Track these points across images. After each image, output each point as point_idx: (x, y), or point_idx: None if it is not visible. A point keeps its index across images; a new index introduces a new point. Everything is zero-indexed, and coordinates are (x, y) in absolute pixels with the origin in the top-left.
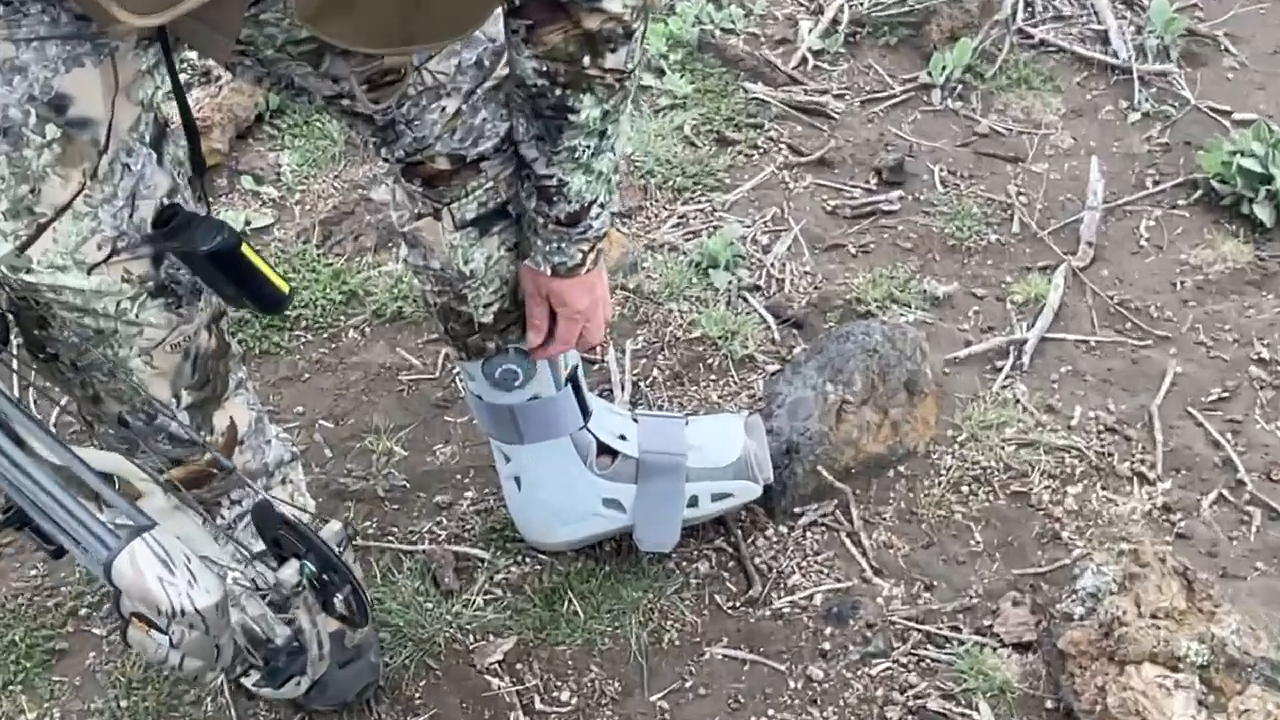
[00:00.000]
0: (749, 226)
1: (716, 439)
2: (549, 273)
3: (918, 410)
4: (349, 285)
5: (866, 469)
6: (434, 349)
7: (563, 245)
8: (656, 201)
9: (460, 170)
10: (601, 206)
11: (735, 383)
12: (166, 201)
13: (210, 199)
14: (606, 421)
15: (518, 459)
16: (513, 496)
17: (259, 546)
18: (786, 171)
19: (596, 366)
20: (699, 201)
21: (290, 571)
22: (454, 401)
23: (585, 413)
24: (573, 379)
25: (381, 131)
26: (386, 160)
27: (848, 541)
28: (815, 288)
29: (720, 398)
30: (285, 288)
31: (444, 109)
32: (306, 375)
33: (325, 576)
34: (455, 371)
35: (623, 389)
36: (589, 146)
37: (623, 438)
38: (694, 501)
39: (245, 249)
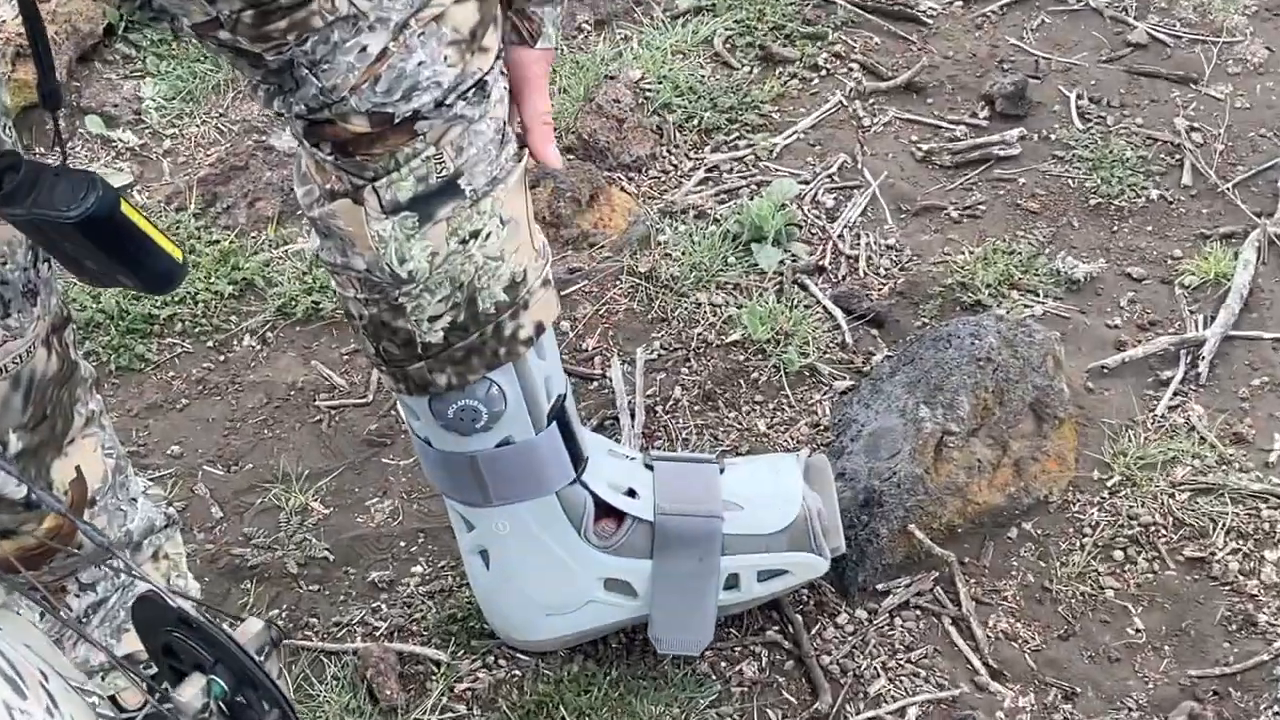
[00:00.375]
0: (807, 183)
1: (765, 491)
2: (557, 45)
3: (1049, 443)
4: (242, 272)
5: (978, 528)
6: (365, 361)
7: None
8: (677, 149)
9: (386, 133)
10: None
11: (791, 406)
12: None
13: (55, 147)
14: (609, 470)
15: (484, 526)
16: (479, 577)
17: (124, 650)
18: (859, 103)
19: (594, 385)
20: (736, 147)
21: (192, 692)
22: (394, 436)
23: (578, 460)
24: (559, 414)
25: (275, 77)
26: (282, 115)
27: (953, 631)
28: (902, 269)
29: (770, 428)
30: (179, 255)
31: (364, 49)
32: (184, 401)
33: (242, 698)
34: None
35: (632, 418)
36: None
37: (632, 493)
38: (734, 582)
39: (126, 208)
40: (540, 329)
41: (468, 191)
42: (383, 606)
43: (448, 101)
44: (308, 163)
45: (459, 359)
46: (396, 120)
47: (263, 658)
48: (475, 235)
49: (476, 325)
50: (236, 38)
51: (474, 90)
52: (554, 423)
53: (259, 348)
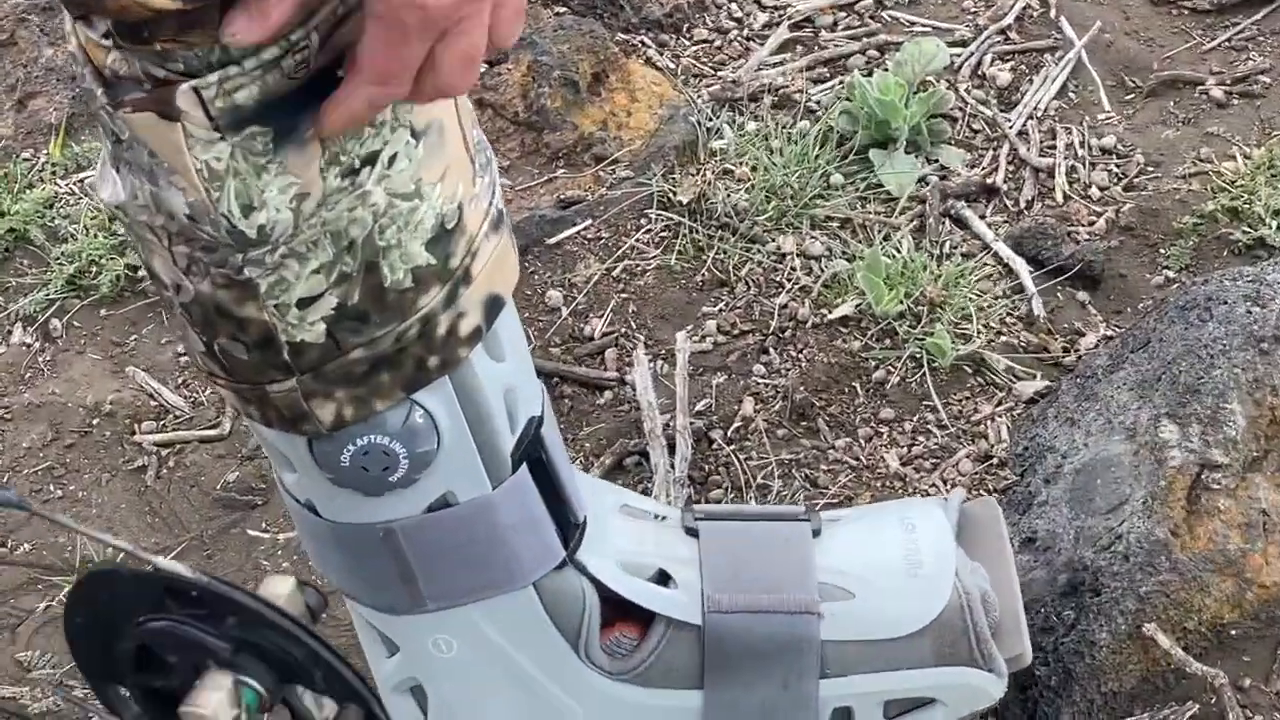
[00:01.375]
0: (965, 43)
1: (890, 566)
2: None
3: None
4: (8, 220)
5: (1266, 628)
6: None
7: None
8: None
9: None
10: None
11: (942, 427)
12: None
13: None
14: (623, 540)
15: (414, 647)
16: None
17: None
18: None
19: (605, 398)
20: None
21: (217, 700)
22: (268, 491)
23: (568, 526)
24: (531, 451)
25: None
26: None
27: None
28: (1128, 189)
29: (906, 464)
30: None
31: None
32: None
33: (290, 701)
34: None
35: (671, 451)
36: None
37: (664, 578)
38: None
39: None
40: (493, 308)
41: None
42: None
43: None
44: (80, 38)
45: (358, 376)
46: None
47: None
48: (371, 161)
49: (383, 314)
50: None
51: None
52: (524, 466)
53: (38, 346)
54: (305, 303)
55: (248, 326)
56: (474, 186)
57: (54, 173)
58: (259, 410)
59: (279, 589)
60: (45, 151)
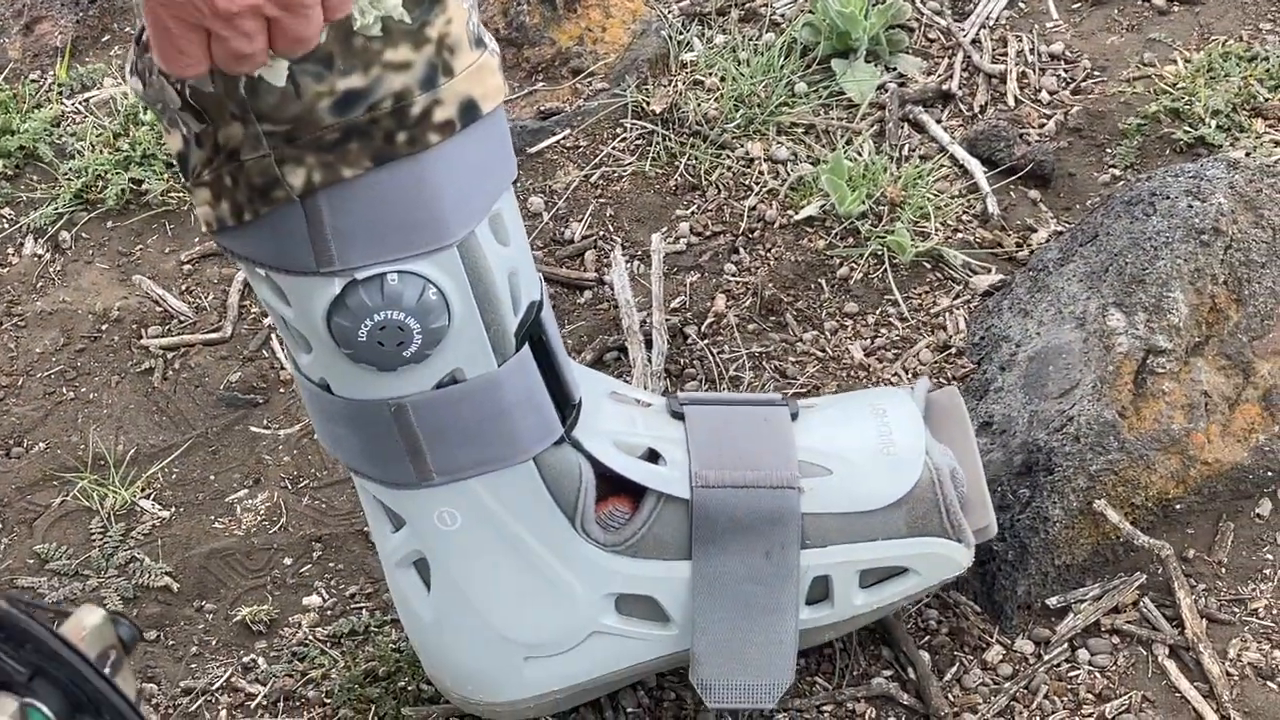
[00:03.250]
0: None
1: (865, 444)
2: None
3: None
4: (17, 138)
5: (1208, 502)
6: (219, 268)
7: None
8: None
9: None
10: None
11: (903, 320)
12: None
13: None
14: (615, 421)
15: (420, 520)
16: (414, 603)
17: None
18: None
19: (585, 297)
20: None
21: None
22: (269, 390)
23: (565, 405)
24: (533, 332)
25: None
26: None
27: (1171, 666)
28: (1076, 91)
29: (870, 355)
30: None
31: None
32: None
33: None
34: (269, 321)
35: (648, 347)
36: None
37: (654, 456)
38: (823, 590)
39: None
40: (469, 111)
41: None
42: (259, 661)
43: None
44: None
45: (328, 143)
46: None
47: (107, 667)
48: None
49: (347, 60)
50: None
51: None
52: (525, 346)
53: (49, 257)
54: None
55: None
56: None
57: (60, 93)
58: (229, 198)
59: (87, 620)
60: (52, 73)
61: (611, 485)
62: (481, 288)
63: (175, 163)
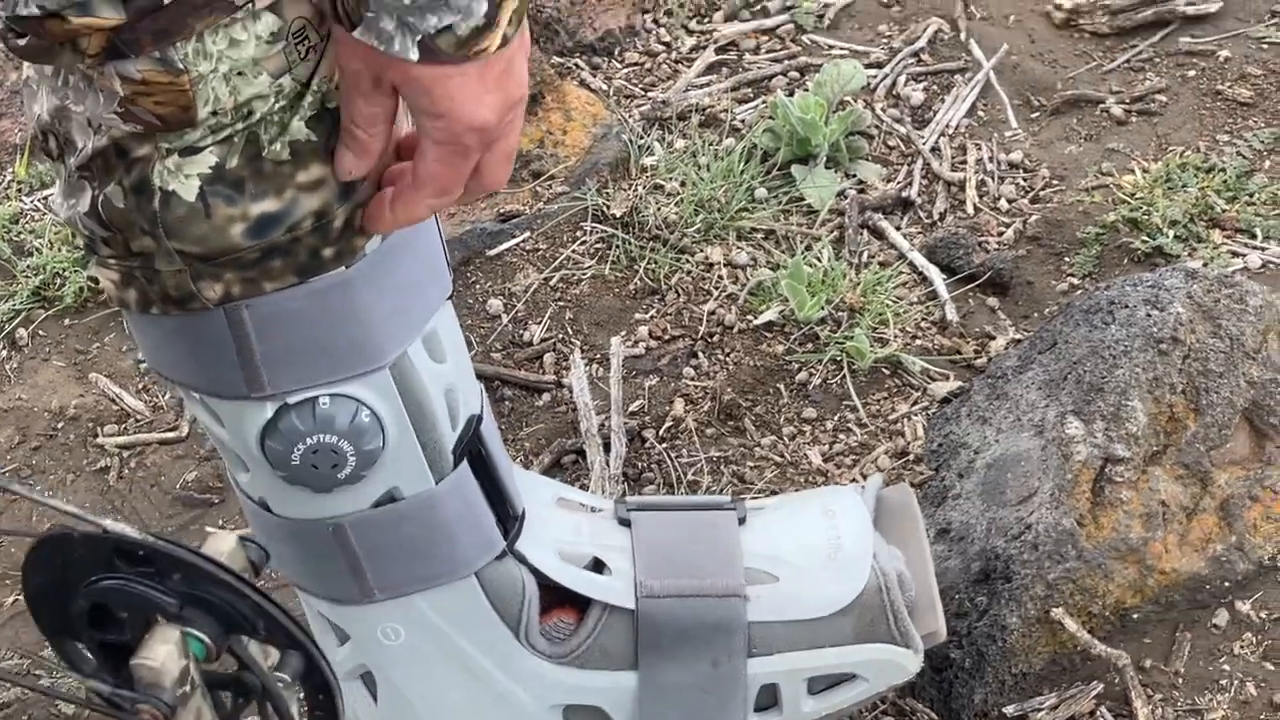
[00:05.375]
0: (880, 65)
1: (812, 548)
2: (414, 54)
3: (1276, 472)
4: None
5: (1165, 611)
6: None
7: None
8: (670, 17)
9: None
10: None
11: (861, 425)
12: None
13: None
14: (559, 531)
15: (364, 635)
16: (364, 718)
17: None
18: None
19: (544, 400)
20: (765, 11)
21: (165, 651)
22: (224, 490)
23: (507, 519)
24: (472, 447)
25: None
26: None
27: None
28: (1035, 200)
29: (828, 460)
30: None
31: None
32: None
33: (236, 651)
34: None
35: (606, 450)
36: None
37: (599, 566)
38: (770, 698)
39: None
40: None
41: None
42: None
43: None
44: None
45: (248, 262)
46: None
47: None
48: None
49: (259, 184)
50: None
51: None
52: (464, 462)
53: (5, 354)
54: (186, 151)
55: (132, 167)
56: None
57: (19, 190)
58: (139, 291)
59: (222, 545)
60: (10, 170)
61: (557, 595)
62: (416, 407)
63: (71, 229)
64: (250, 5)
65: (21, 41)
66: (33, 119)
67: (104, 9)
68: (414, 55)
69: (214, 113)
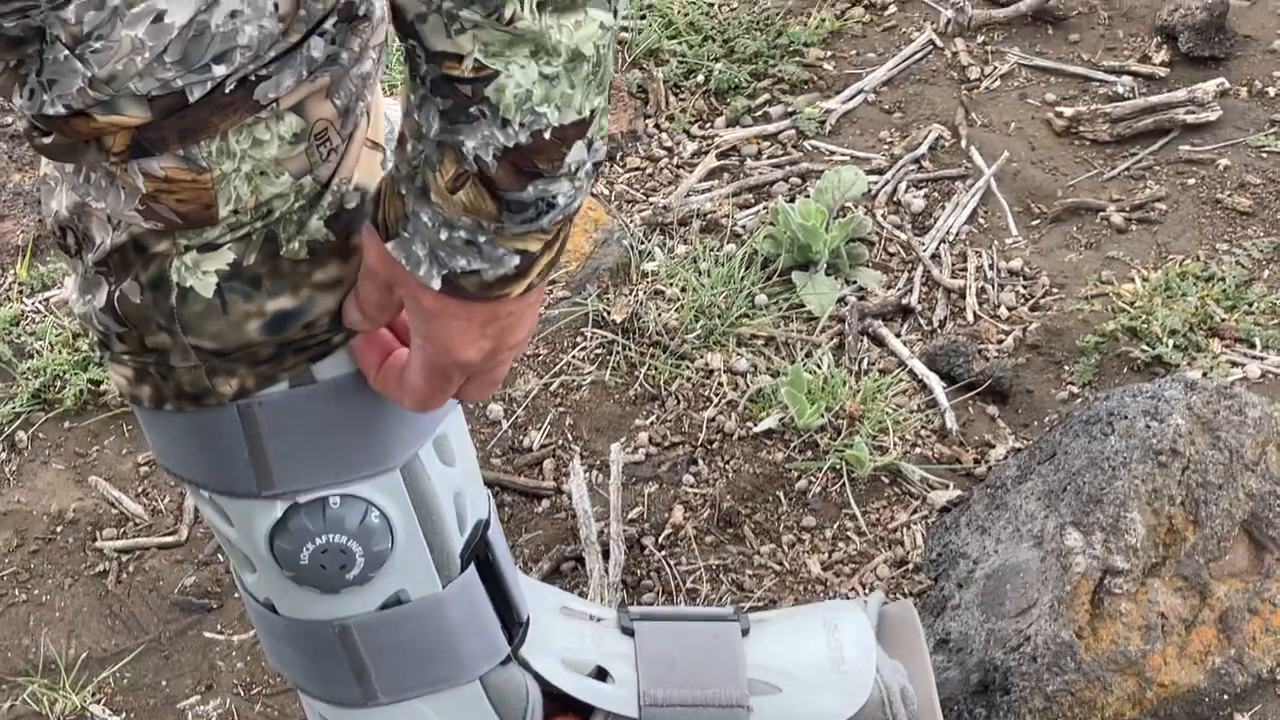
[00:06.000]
0: (881, 172)
1: (815, 662)
2: (436, 284)
3: (1276, 585)
4: None
5: None
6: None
7: (481, 237)
8: (672, 122)
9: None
10: (582, 142)
11: (861, 534)
12: None
13: None
14: (563, 639)
15: None
16: None
17: None
18: (962, 42)
19: (544, 506)
20: (767, 117)
21: None
22: (224, 595)
23: (512, 625)
24: (479, 552)
25: (12, 51)
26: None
27: None
28: (1035, 308)
29: (827, 569)
30: None
31: (161, 17)
32: None
33: None
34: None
35: (605, 557)
36: None
37: (602, 674)
38: None
39: None
40: None
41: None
42: None
43: (266, 68)
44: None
45: (263, 358)
46: (187, 106)
47: None
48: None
49: (275, 281)
50: None
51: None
52: (471, 567)
53: (4, 457)
54: (205, 248)
55: (150, 263)
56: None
57: (21, 292)
58: (153, 388)
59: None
60: (12, 272)
61: (560, 703)
62: (425, 510)
63: (86, 327)
64: (274, 106)
65: (47, 140)
66: (50, 215)
67: (130, 108)
68: (436, 285)
69: (234, 211)
